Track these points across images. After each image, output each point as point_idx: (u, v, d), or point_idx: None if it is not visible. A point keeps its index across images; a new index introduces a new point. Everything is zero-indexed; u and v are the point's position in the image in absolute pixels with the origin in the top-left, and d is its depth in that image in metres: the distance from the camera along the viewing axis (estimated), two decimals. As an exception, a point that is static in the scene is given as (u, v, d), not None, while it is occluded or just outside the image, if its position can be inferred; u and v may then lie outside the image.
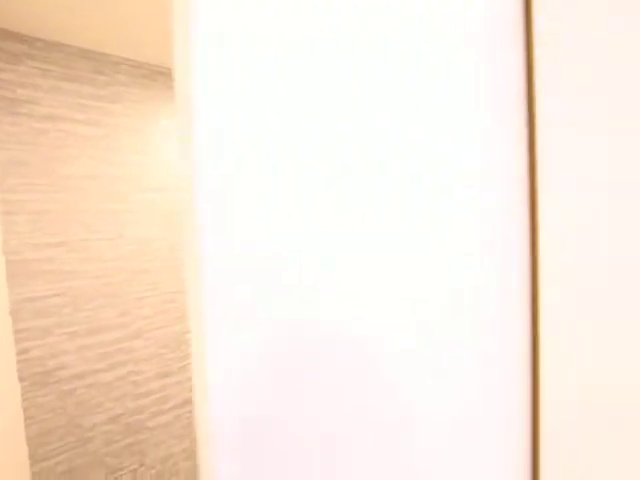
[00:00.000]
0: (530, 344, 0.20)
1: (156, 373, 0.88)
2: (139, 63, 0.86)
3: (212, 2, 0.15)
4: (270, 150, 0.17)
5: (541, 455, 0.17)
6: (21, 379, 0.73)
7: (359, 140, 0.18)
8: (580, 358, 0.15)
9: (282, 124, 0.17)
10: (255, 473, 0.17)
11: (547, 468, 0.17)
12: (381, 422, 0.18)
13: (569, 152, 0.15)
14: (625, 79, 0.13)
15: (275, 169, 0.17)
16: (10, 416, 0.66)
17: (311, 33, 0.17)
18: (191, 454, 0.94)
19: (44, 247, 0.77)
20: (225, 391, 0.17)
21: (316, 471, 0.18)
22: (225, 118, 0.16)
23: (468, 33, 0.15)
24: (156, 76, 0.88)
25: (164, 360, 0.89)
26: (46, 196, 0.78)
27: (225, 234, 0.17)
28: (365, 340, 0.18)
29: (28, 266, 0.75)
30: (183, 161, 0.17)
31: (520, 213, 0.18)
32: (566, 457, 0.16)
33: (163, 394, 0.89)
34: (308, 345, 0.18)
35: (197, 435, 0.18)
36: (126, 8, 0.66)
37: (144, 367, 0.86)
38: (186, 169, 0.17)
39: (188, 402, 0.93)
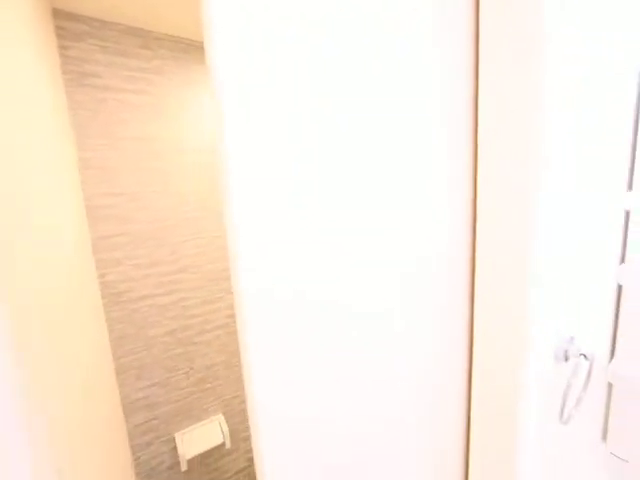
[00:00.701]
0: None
1: (200, 301, 1.10)
2: (178, 38, 0.99)
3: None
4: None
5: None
6: (101, 297, 0.95)
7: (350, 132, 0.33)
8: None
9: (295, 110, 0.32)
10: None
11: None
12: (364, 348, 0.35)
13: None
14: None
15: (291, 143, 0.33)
16: (99, 323, 0.89)
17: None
18: (228, 365, 1.18)
19: (108, 196, 0.96)
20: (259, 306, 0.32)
21: (327, 351, 0.35)
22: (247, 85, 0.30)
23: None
24: (192, 50, 1.02)
25: (205, 291, 1.10)
26: (106, 154, 0.95)
27: (251, 186, 0.29)
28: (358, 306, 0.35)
29: (98, 211, 0.94)
30: (217, 128, 0.29)
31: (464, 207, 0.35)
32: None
33: (205, 317, 1.11)
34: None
35: (240, 344, 0.31)
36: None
37: (190, 295, 1.08)
38: (219, 135, 0.28)
39: (225, 325, 1.15)
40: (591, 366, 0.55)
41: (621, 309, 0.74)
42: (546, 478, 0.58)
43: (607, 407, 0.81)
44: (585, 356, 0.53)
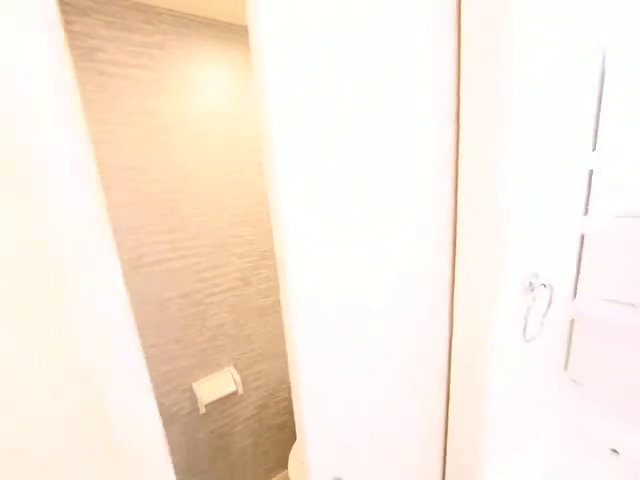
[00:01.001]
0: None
1: (209, 265, 1.19)
2: (180, 13, 1.02)
3: None
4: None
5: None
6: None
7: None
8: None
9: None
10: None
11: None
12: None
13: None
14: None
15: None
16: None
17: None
18: (236, 325, 1.29)
19: (119, 169, 1.02)
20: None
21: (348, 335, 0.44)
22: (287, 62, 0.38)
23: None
24: (193, 25, 1.05)
25: (214, 256, 1.20)
26: (114, 128, 1.01)
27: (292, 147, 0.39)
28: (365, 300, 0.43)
29: (111, 182, 1.01)
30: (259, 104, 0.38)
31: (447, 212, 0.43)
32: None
33: (214, 281, 1.21)
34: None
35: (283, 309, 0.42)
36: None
37: (200, 260, 1.17)
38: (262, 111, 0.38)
39: (233, 288, 1.26)
40: (551, 294, 0.66)
41: (583, 256, 0.85)
42: (513, 390, 0.70)
43: (569, 342, 0.94)
44: (544, 285, 0.64)
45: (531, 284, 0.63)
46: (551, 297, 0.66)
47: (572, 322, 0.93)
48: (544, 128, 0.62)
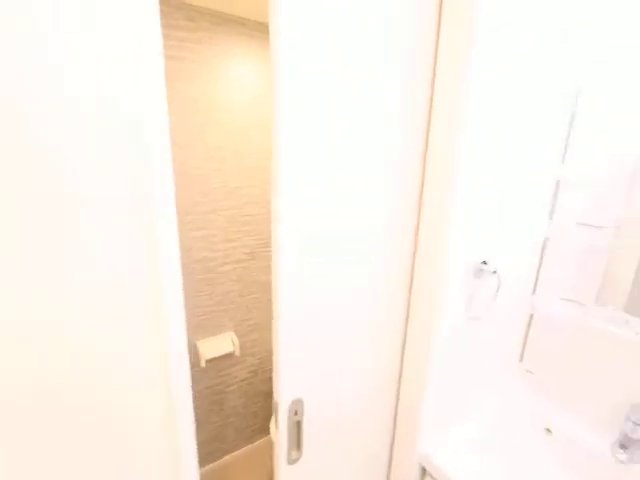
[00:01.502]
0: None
1: (222, 238, 1.36)
2: (215, 12, 1.18)
3: None
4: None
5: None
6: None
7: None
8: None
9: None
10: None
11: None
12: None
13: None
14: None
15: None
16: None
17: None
18: (241, 294, 1.46)
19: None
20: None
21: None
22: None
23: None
24: (226, 22, 1.21)
25: (227, 231, 1.36)
26: (174, 106, 1.17)
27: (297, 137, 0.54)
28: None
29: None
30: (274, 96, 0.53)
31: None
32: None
33: (225, 252, 1.38)
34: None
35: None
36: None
37: (216, 232, 1.33)
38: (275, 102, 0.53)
39: (241, 261, 1.42)
40: (499, 281, 0.79)
41: (544, 257, 0.97)
42: (458, 359, 0.83)
43: (526, 335, 1.06)
44: (495, 272, 0.77)
45: (481, 271, 0.76)
46: (499, 283, 0.79)
47: (531, 317, 1.05)
48: (510, 141, 0.75)
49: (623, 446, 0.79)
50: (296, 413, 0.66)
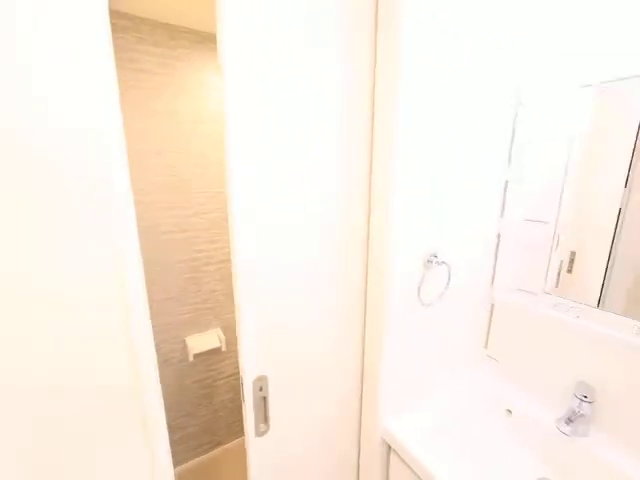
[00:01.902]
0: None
1: (206, 240, 1.44)
2: (195, 31, 1.27)
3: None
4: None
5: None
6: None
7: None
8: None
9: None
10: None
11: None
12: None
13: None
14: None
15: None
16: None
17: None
18: (226, 293, 1.54)
19: (144, 153, 1.28)
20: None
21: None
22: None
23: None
24: (205, 40, 1.30)
25: (210, 233, 1.44)
26: (145, 121, 1.26)
27: (245, 153, 0.62)
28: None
29: (138, 165, 1.26)
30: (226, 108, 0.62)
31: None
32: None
33: (209, 253, 1.46)
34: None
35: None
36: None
37: (199, 234, 1.42)
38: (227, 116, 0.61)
39: (224, 261, 1.50)
40: (449, 271, 0.87)
41: (499, 251, 1.05)
42: (411, 340, 0.91)
43: (489, 324, 1.14)
44: (445, 263, 0.85)
45: (429, 261, 0.85)
46: (450, 273, 0.88)
47: (492, 306, 1.13)
48: (451, 147, 0.83)
49: (569, 420, 0.86)
50: (261, 389, 0.74)
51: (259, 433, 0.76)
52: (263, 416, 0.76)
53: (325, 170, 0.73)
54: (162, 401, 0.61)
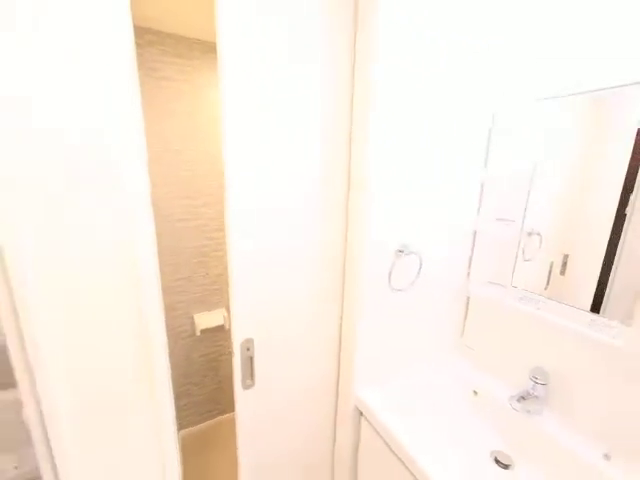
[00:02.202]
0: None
1: (214, 228, 1.60)
2: (207, 42, 1.42)
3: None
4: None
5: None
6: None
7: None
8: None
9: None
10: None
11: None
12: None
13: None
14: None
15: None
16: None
17: None
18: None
19: (165, 151, 1.45)
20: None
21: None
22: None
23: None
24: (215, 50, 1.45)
25: (218, 222, 1.61)
26: (165, 121, 1.43)
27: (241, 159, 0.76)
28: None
29: (159, 159, 1.44)
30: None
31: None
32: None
33: (217, 240, 1.62)
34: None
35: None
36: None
37: (209, 223, 1.58)
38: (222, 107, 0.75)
39: (231, 248, 1.66)
40: (420, 261, 0.98)
41: (475, 247, 1.14)
42: (382, 332, 1.03)
43: (465, 315, 1.23)
44: (415, 253, 0.96)
45: (401, 251, 0.96)
46: (420, 263, 0.99)
47: (468, 299, 1.22)
48: (433, 146, 0.94)
49: (522, 398, 0.95)
50: (248, 349, 0.88)
51: (246, 386, 0.91)
52: (250, 373, 0.91)
53: (310, 162, 0.86)
54: (169, 370, 0.76)
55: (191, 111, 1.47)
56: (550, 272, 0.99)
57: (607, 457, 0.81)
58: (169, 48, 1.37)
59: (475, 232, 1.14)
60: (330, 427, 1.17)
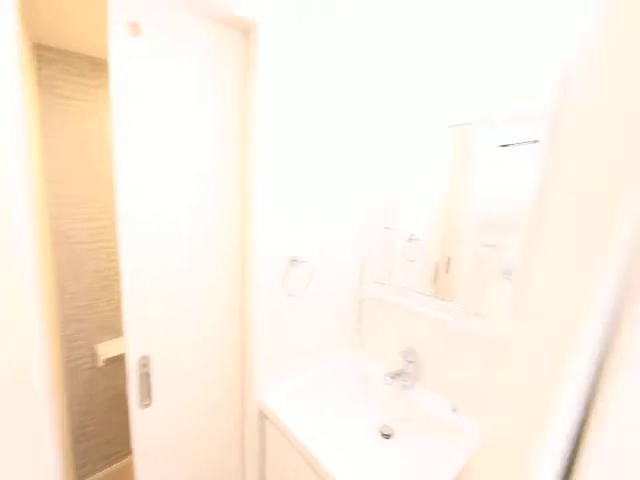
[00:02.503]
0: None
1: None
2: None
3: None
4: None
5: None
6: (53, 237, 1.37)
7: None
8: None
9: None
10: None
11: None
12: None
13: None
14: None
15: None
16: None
17: None
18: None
19: (65, 171, 1.39)
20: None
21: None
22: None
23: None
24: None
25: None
26: (61, 140, 1.38)
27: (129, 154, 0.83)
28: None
29: (57, 178, 1.36)
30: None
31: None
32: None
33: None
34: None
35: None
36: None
37: (112, 245, 1.53)
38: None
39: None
40: (311, 268, 1.14)
41: (367, 255, 1.36)
42: (280, 332, 1.15)
43: (360, 314, 1.43)
44: (306, 262, 1.11)
45: (294, 260, 1.10)
46: (312, 272, 1.14)
47: (362, 300, 1.42)
48: (319, 168, 1.12)
49: (397, 375, 1.15)
50: (144, 366, 0.90)
51: (143, 405, 0.91)
52: (147, 390, 0.91)
53: (201, 173, 0.93)
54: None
55: (93, 129, 1.44)
56: (437, 271, 1.22)
57: (455, 411, 1.03)
58: (72, 67, 1.35)
59: (367, 239, 1.36)
60: (239, 436, 1.21)
